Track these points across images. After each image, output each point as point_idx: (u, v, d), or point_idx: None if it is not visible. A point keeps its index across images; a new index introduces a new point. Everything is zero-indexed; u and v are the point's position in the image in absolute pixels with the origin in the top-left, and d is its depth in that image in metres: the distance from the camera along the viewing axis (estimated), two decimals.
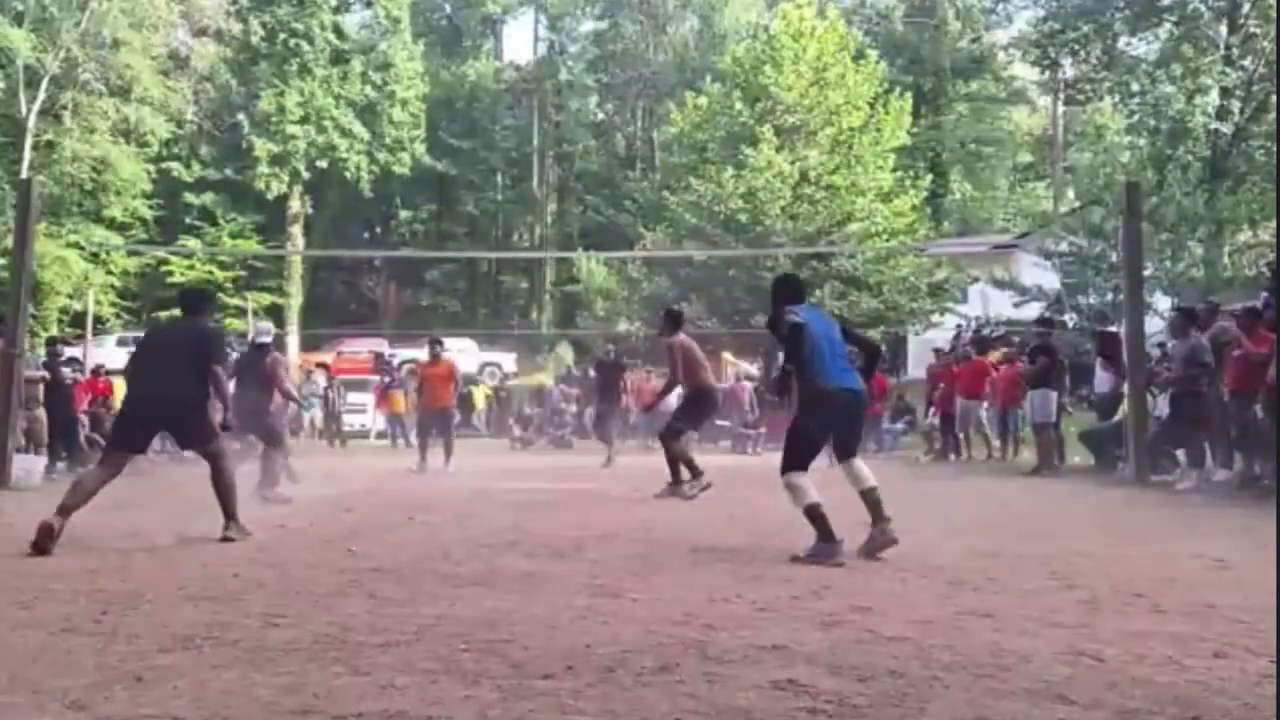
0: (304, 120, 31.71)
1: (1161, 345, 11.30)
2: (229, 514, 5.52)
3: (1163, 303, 17.29)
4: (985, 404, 13.51)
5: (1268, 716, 2.40)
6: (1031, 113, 39.87)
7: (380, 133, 33.55)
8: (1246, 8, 20.24)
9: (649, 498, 7.98)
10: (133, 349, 6.36)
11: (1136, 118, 21.57)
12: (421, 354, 21.99)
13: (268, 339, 8.86)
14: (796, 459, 4.88)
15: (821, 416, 4.93)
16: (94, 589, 3.94)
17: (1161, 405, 9.80)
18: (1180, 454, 9.12)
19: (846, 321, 5.66)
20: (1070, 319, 18.13)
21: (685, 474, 8.09)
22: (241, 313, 30.33)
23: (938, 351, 15.85)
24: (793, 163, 23.69)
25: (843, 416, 4.98)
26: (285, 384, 8.99)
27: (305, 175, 32.50)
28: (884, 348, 5.79)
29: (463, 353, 23.08)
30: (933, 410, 14.45)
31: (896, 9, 37.89)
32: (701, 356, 8.56)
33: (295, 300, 32.72)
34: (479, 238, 38.84)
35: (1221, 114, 19.86)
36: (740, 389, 18.50)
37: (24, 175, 21.67)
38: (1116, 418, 10.43)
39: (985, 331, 17.84)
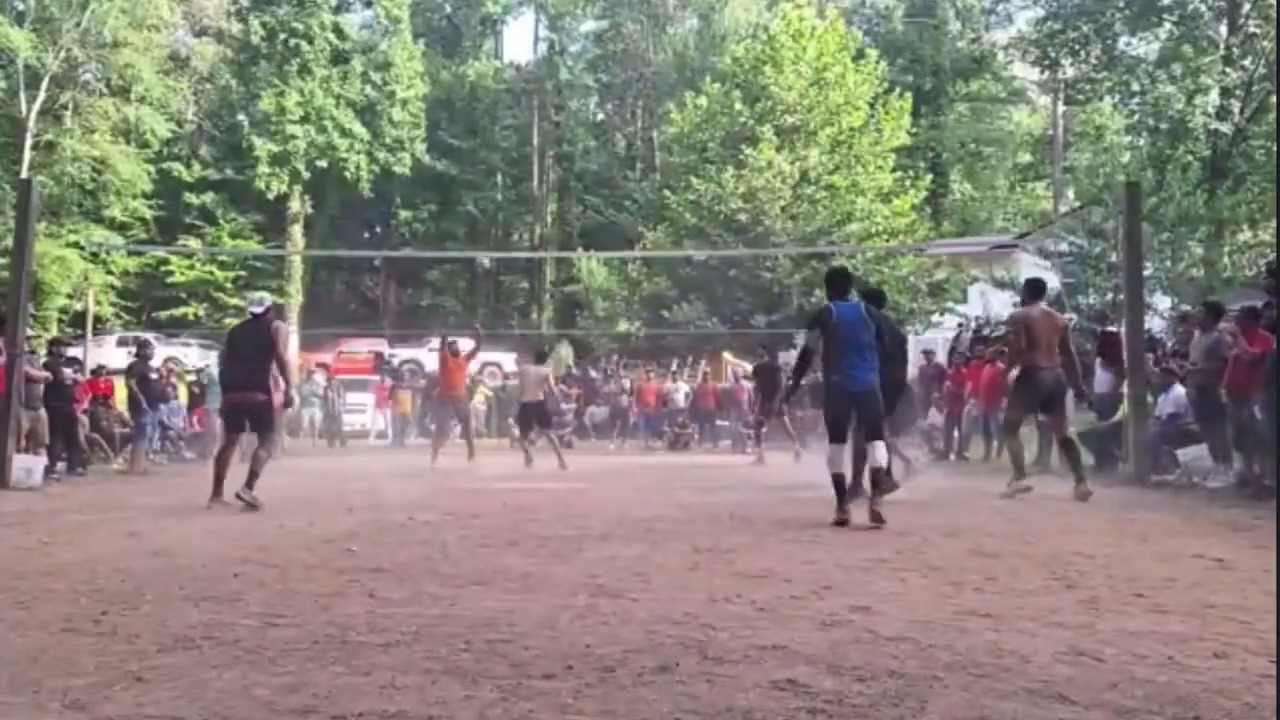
0: (304, 120, 31.74)
1: (1166, 343, 11.30)
2: None
3: (1163, 303, 17.27)
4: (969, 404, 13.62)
5: (1268, 716, 2.40)
6: (1031, 113, 39.87)
7: (380, 133, 33.58)
8: (1246, 8, 20.25)
9: (647, 498, 7.97)
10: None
11: (1136, 118, 21.58)
12: (419, 354, 21.95)
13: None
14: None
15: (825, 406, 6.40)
16: (94, 589, 3.94)
17: (1162, 405, 9.80)
18: (1180, 453, 9.13)
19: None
20: (1070, 319, 18.15)
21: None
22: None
23: (952, 352, 15.93)
24: (793, 163, 23.70)
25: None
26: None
27: (305, 175, 32.53)
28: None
29: None
30: (934, 410, 14.46)
31: (896, 9, 37.91)
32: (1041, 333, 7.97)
33: (295, 300, 32.74)
34: (479, 238, 38.86)
35: (1221, 114, 19.86)
36: (740, 389, 18.51)
37: (24, 175, 21.67)
38: (1116, 417, 10.43)
39: (985, 331, 17.83)
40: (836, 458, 6.12)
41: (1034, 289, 8.19)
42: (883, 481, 6.20)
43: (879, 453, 6.16)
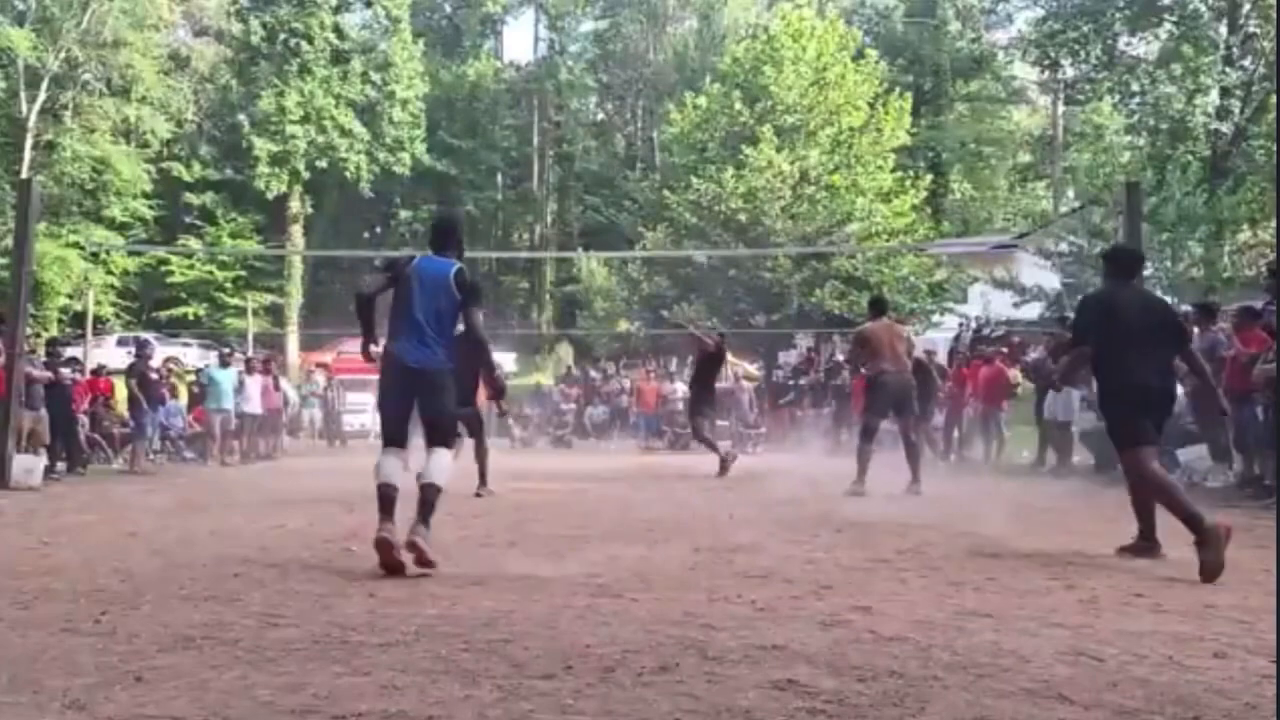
0: (304, 120, 31.74)
1: None
2: None
3: None
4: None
5: (1268, 716, 2.40)
6: (1031, 113, 39.88)
7: (380, 133, 33.57)
8: (1246, 8, 20.26)
9: (647, 498, 7.97)
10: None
11: (1136, 118, 21.59)
12: None
13: None
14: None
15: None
16: (94, 589, 3.94)
17: None
18: (1180, 453, 9.12)
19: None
20: (1070, 319, 18.20)
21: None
22: (241, 313, 30.43)
23: (953, 352, 15.93)
24: (793, 163, 23.67)
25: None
26: None
27: (305, 175, 32.52)
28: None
29: None
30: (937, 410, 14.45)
31: (896, 9, 37.91)
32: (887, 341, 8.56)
33: (295, 300, 32.75)
34: (479, 238, 38.83)
35: (1221, 114, 19.87)
36: (740, 389, 18.51)
37: (24, 175, 21.67)
38: None
39: (986, 331, 17.83)
40: (388, 465, 4.65)
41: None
42: (432, 502, 4.55)
43: (438, 465, 4.63)
